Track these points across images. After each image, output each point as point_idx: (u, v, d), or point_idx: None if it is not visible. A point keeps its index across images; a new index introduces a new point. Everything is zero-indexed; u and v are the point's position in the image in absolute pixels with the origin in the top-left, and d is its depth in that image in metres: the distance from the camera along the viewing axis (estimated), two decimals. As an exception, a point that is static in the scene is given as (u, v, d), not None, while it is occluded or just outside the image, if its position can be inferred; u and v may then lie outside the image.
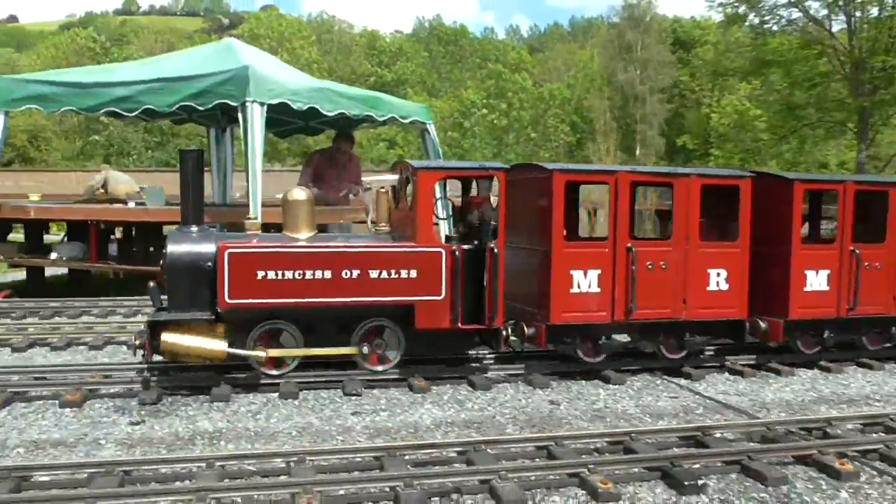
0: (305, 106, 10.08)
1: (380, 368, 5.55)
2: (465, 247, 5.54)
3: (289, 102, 9.87)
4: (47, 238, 21.57)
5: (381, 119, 11.58)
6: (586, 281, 5.70)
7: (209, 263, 5.10)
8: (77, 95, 10.70)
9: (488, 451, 4.07)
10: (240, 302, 5.12)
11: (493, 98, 60.00)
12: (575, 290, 5.67)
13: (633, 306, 5.73)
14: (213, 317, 5.13)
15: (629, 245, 5.76)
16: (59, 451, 4.11)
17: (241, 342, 5.23)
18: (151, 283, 5.34)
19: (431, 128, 12.21)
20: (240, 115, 9.66)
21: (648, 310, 5.80)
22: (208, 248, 5.16)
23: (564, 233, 5.78)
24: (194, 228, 5.32)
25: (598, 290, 5.71)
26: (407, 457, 3.97)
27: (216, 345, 5.01)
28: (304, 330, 5.43)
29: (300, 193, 5.67)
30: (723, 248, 6.03)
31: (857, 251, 6.26)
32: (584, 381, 5.74)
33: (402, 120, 11.83)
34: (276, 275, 5.17)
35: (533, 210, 5.88)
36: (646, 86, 54.05)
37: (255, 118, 9.48)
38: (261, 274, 5.14)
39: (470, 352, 6.03)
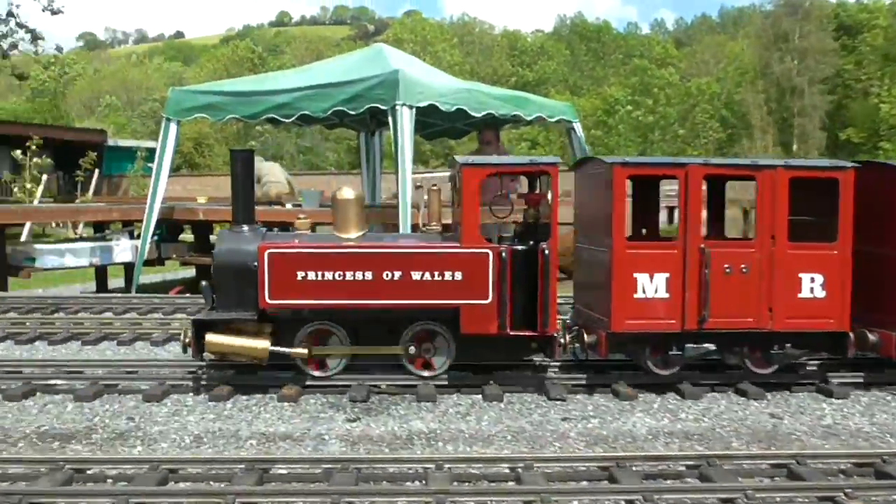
0: (453, 107, 10.21)
1: (426, 374, 5.30)
2: (518, 247, 5.16)
3: (437, 104, 10.05)
4: (213, 238, 23.08)
5: (528, 119, 11.52)
6: (652, 285, 5.16)
7: (254, 263, 5.04)
8: (240, 104, 11.36)
9: (723, 466, 3.82)
10: (280, 302, 5.07)
11: (637, 94, 58.41)
12: (639, 294, 5.14)
13: (706, 314, 5.13)
14: (257, 317, 5.09)
15: (702, 246, 5.16)
16: (289, 444, 4.24)
17: (287, 343, 5.13)
18: (204, 283, 5.36)
19: (578, 126, 12.05)
20: (389, 119, 9.90)
21: (725, 318, 5.18)
22: (254, 247, 5.09)
23: (628, 232, 5.41)
24: (245, 228, 5.32)
25: (667, 295, 5.16)
26: (636, 468, 3.80)
27: (259, 343, 5.02)
28: (351, 332, 5.27)
29: (348, 192, 5.47)
30: (818, 249, 5.27)
31: None
32: (802, 394, 5.33)
33: (548, 119, 11.74)
34: (316, 275, 5.06)
35: (598, 207, 5.44)
36: (804, 77, 50.86)
37: (405, 121, 9.68)
38: (300, 274, 5.05)
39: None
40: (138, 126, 65.74)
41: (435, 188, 5.77)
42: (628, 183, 5.38)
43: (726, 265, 5.14)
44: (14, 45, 43.43)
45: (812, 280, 5.24)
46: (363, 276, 5.06)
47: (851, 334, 5.28)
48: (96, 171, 46.39)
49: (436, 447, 4.26)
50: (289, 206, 11.91)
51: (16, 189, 40.55)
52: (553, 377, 5.42)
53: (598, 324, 5.27)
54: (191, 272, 21.10)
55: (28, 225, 32.98)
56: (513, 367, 5.55)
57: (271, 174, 15.94)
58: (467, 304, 5.08)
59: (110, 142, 51.19)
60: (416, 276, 5.08)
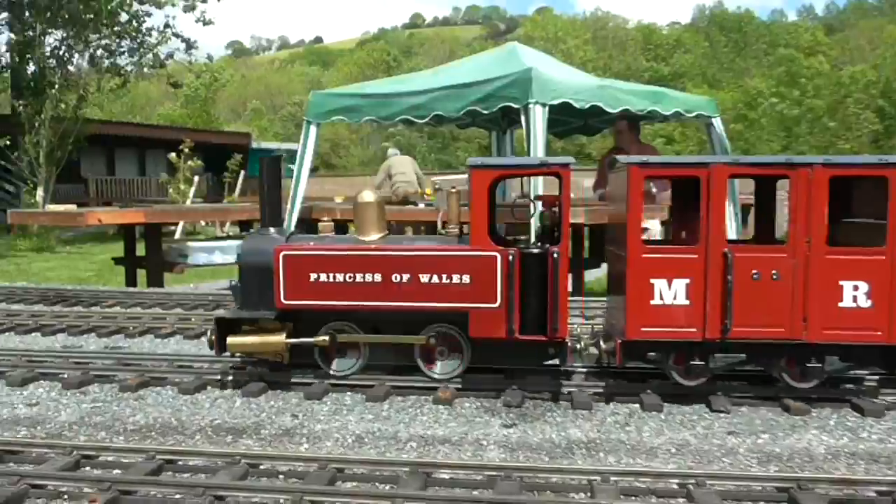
0: (587, 104, 10.01)
1: (437, 375, 5.23)
2: (529, 250, 4.97)
3: (571, 102, 9.86)
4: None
5: (666, 114, 11.07)
6: (671, 292, 4.83)
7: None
8: (377, 105, 11.58)
9: (923, 495, 3.49)
10: (294, 303, 5.16)
11: (782, 86, 55.28)
12: (657, 301, 4.83)
13: (728, 323, 4.71)
14: (274, 316, 5.17)
15: (725, 250, 4.72)
16: (448, 448, 4.24)
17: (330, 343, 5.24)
18: (232, 281, 5.40)
19: (718, 122, 11.50)
20: (522, 117, 9.77)
21: (752, 328, 4.72)
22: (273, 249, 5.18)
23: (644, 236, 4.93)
24: (271, 230, 5.42)
25: (687, 302, 4.81)
26: (819, 492, 3.54)
27: (275, 338, 5.15)
28: (370, 334, 5.31)
29: (368, 196, 5.49)
30: (863, 254, 4.70)
31: None
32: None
33: (686, 114, 11.24)
34: (328, 277, 5.12)
35: (619, 210, 5.04)
36: (978, 61, 46.47)
37: (538, 119, 9.53)
38: (313, 276, 5.13)
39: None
40: (280, 129, 68.81)
41: (454, 190, 5.60)
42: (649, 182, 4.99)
43: (754, 271, 4.72)
44: (170, 55, 46.45)
45: (855, 288, 4.71)
46: (372, 278, 5.11)
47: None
48: (242, 172, 48.86)
49: (597, 458, 4.14)
50: (421, 205, 12.04)
51: (171, 190, 43.33)
52: (717, 388, 5.15)
53: (617, 331, 5.01)
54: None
55: (181, 224, 35.26)
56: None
57: (402, 170, 16.15)
58: (475, 307, 5.01)
59: (254, 144, 53.94)
60: (423, 278, 5.06)
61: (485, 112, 10.56)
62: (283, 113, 73.10)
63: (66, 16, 39.20)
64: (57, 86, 39.28)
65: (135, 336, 7.02)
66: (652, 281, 4.81)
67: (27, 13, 39.44)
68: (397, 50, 69.65)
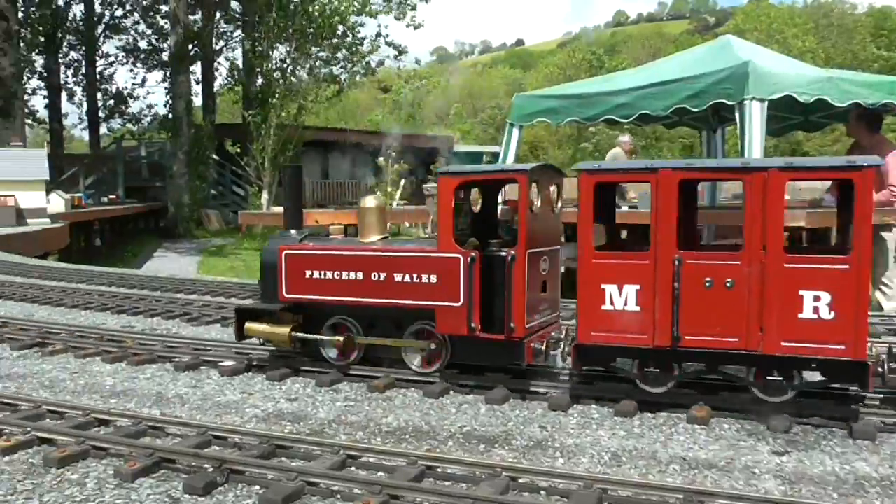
0: (812, 98, 9.24)
1: (417, 368, 5.57)
2: (491, 253, 5.18)
3: (794, 95, 9.18)
4: None
5: None
6: (621, 297, 4.79)
7: None
8: (580, 106, 11.31)
9: None
10: (294, 297, 5.79)
11: None
12: (607, 307, 4.82)
13: (676, 331, 4.59)
14: (280, 309, 5.77)
15: (676, 256, 4.53)
16: (716, 474, 3.90)
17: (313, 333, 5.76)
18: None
19: None
20: (736, 114, 9.26)
21: (702, 336, 4.57)
22: None
23: (596, 242, 4.92)
24: (291, 232, 6.04)
25: (637, 308, 4.73)
26: None
27: (281, 329, 5.69)
28: (366, 327, 5.72)
29: (370, 202, 5.94)
30: (824, 263, 4.39)
31: None
32: None
33: None
34: (320, 274, 5.69)
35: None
36: None
37: (754, 116, 8.98)
38: (308, 273, 5.73)
39: None
40: (480, 132, 69.98)
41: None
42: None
43: (707, 278, 4.52)
44: (381, 62, 48.73)
45: (816, 298, 4.38)
46: (356, 276, 5.60)
47: (872, 363, 4.33)
48: (446, 175, 49.56)
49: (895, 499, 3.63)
50: (624, 207, 11.59)
51: (378, 192, 45.48)
52: None
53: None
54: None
55: (387, 225, 36.37)
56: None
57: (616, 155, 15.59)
58: (441, 305, 5.29)
59: (457, 147, 55.25)
60: (397, 277, 5.45)
61: (695, 110, 10.10)
62: (483, 116, 74.29)
63: (291, 31, 42.20)
64: (280, 96, 42.45)
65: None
66: (603, 286, 4.81)
67: (257, 31, 42.98)
68: (599, 49, 68.46)
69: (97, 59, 45.27)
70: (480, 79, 79.35)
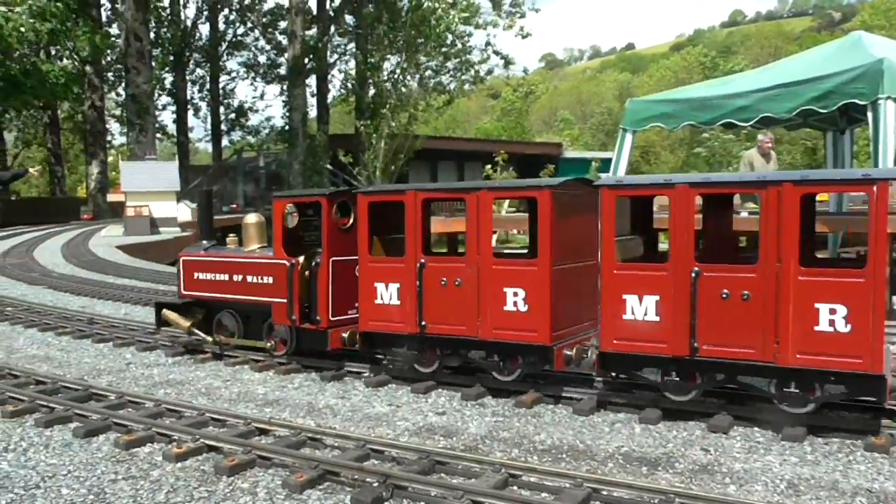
0: None
1: (275, 353, 6.70)
2: (311, 259, 6.44)
3: None
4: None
5: None
6: (388, 293, 5.85)
7: None
8: (696, 110, 10.89)
9: None
10: (188, 293, 7.31)
11: None
12: (379, 301, 5.90)
13: (420, 320, 5.65)
14: (181, 303, 7.29)
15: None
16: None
17: (209, 323, 7.20)
18: None
19: None
20: (868, 115, 8.76)
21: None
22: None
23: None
24: (204, 242, 7.44)
25: (398, 302, 5.80)
26: None
27: (183, 321, 7.07)
28: (244, 319, 7.01)
29: (251, 217, 7.24)
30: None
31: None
32: None
33: None
34: (203, 275, 7.15)
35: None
36: None
37: (889, 117, 8.47)
38: (196, 275, 7.19)
39: None
40: (589, 138, 69.04)
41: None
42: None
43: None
44: (490, 71, 48.87)
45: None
46: (222, 277, 6.98)
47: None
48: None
49: None
50: (744, 214, 11.07)
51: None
52: None
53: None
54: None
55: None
56: None
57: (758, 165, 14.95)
58: (275, 301, 6.57)
59: (565, 154, 54.70)
60: (250, 279, 6.77)
61: (822, 111, 9.56)
62: (592, 122, 73.32)
63: (402, 42, 42.94)
64: (391, 106, 43.23)
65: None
66: (375, 284, 5.67)
67: (369, 43, 43.98)
68: (714, 51, 66.27)
69: (220, 75, 47.49)
70: (589, 84, 78.28)
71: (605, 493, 3.74)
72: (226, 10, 47.31)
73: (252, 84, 50.58)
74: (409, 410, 5.31)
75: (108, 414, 5.05)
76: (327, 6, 47.19)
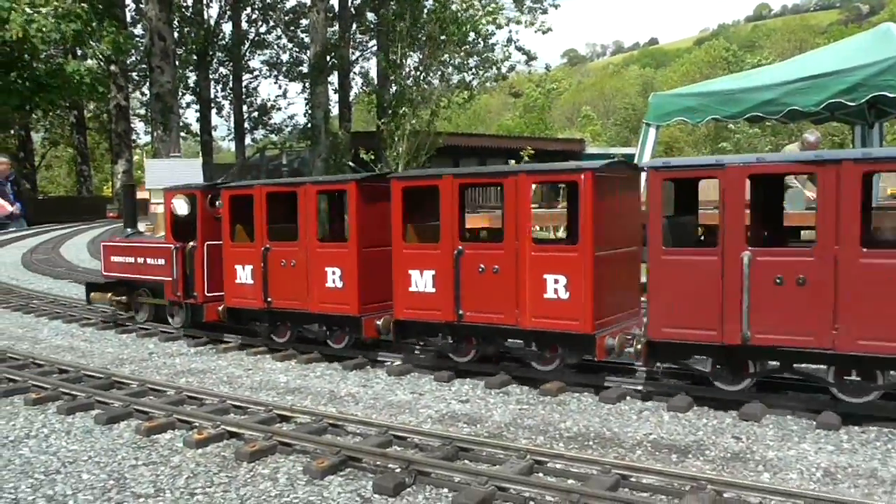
0: None
1: (176, 325, 7.68)
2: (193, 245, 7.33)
3: None
4: None
5: None
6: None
7: None
8: (722, 103, 10.65)
9: None
10: (107, 274, 8.38)
11: None
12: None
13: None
14: (104, 283, 8.47)
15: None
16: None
17: (130, 300, 8.22)
18: None
19: None
20: None
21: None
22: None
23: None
24: (128, 231, 8.43)
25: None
26: None
27: (105, 295, 8.32)
28: (154, 294, 7.93)
29: (160, 209, 7.64)
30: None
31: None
32: None
33: None
34: (117, 259, 8.16)
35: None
36: None
37: None
38: (112, 258, 8.25)
39: None
40: (612, 134, 68.57)
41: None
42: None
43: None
44: (512, 67, 48.65)
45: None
46: (133, 260, 7.96)
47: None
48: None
49: None
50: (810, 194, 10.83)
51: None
52: None
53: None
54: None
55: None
56: None
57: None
58: (166, 280, 7.55)
59: (588, 150, 54.33)
60: (150, 261, 7.76)
61: (850, 104, 9.31)
62: (615, 117, 72.82)
63: (424, 38, 42.85)
64: (413, 103, 43.13)
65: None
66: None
67: (390, 39, 43.93)
68: (738, 45, 65.51)
69: (243, 73, 47.74)
70: (612, 79, 77.73)
71: (633, 479, 3.63)
72: (248, 9, 47.53)
73: (275, 82, 50.68)
74: (431, 398, 5.23)
75: (130, 401, 5.03)
76: (349, 4, 47.27)
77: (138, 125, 48.32)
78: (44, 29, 25.36)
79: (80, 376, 5.83)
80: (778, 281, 4.49)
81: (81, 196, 44.60)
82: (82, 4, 30.35)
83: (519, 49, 47.38)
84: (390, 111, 44.46)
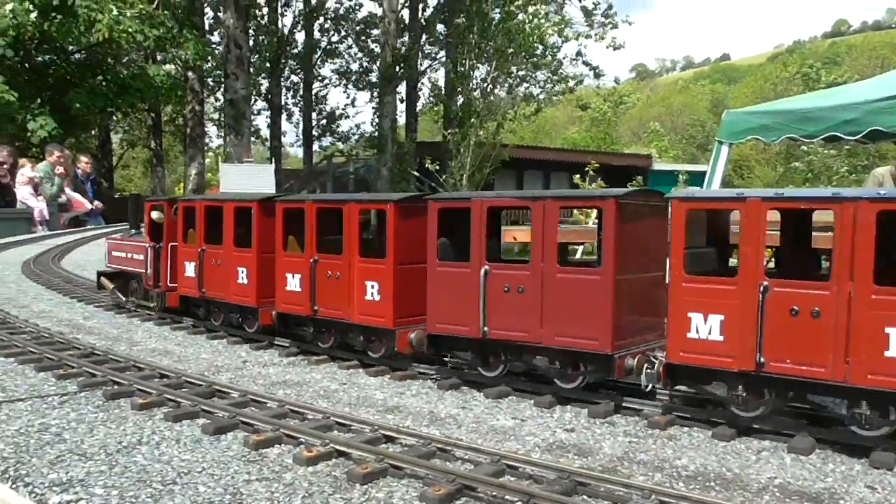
0: None
1: (151, 306, 9.37)
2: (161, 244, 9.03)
3: None
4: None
5: None
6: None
7: None
8: (799, 122, 10.28)
9: None
10: (109, 265, 10.22)
11: None
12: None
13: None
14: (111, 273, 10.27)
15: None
16: None
17: (127, 287, 9.89)
18: None
19: None
20: None
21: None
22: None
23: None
24: (132, 231, 10.09)
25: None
26: None
27: (109, 283, 10.13)
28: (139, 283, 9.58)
29: (154, 213, 9.13)
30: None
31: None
32: None
33: None
34: (116, 253, 10.03)
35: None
36: None
37: None
38: (112, 252, 10.12)
39: None
40: (680, 151, 67.47)
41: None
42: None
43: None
44: (580, 81, 48.30)
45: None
46: (125, 254, 9.69)
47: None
48: (642, 193, 48.01)
49: None
50: None
51: (575, 210, 44.43)
52: None
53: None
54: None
55: (583, 245, 35.98)
56: None
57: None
58: (144, 272, 9.21)
59: (654, 166, 53.52)
60: (135, 256, 9.39)
61: None
62: (682, 134, 71.66)
63: (492, 51, 42.85)
64: (480, 114, 43.13)
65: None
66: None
67: (459, 51, 44.06)
68: (816, 62, 63.73)
69: (313, 81, 48.51)
70: (681, 95, 76.49)
71: (768, 528, 3.46)
72: (321, 19, 48.34)
73: (344, 91, 51.28)
74: (535, 425, 5.12)
75: (235, 412, 5.05)
76: (419, 15, 47.63)
77: (211, 129, 49.50)
78: (129, 30, 26.16)
79: (182, 382, 5.90)
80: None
81: (155, 196, 45.88)
82: (164, 11, 31.29)
83: (586, 64, 46.96)
84: (456, 122, 44.60)
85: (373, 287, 6.48)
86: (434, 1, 48.50)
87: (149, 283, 9.11)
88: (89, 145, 40.36)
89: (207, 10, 42.30)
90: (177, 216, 8.68)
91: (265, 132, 48.48)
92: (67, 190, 23.28)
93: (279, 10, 45.68)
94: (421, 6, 46.46)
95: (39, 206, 21.69)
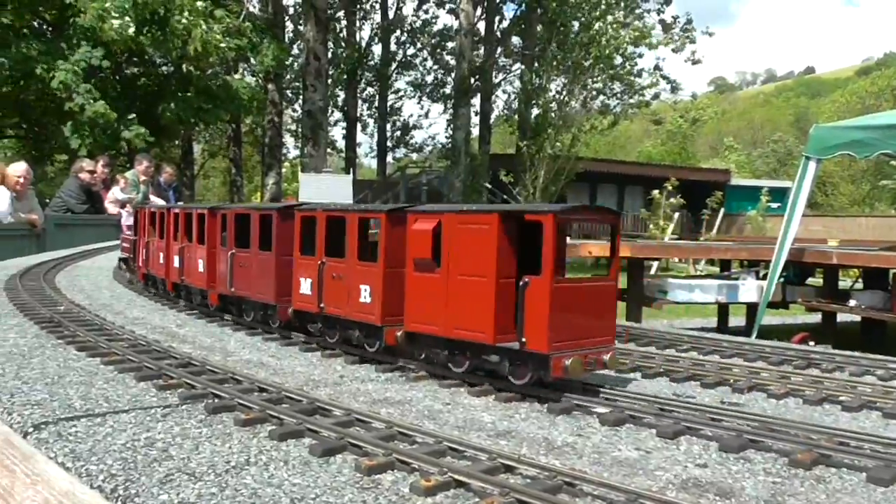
0: None
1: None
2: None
3: None
4: (842, 284, 20.84)
5: None
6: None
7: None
8: (894, 137, 9.74)
9: None
10: (125, 255, 13.13)
11: None
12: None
13: None
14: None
15: None
16: None
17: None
18: None
19: None
20: None
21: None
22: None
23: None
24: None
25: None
26: None
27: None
28: None
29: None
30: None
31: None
32: None
33: None
34: (125, 245, 13.26)
35: None
36: None
37: None
38: (123, 244, 13.08)
39: None
40: (760, 165, 65.50)
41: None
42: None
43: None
44: (656, 95, 47.29)
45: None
46: (129, 245, 12.59)
47: None
48: (721, 210, 46.97)
49: None
50: None
51: (651, 225, 43.50)
52: None
53: None
54: (816, 318, 19.41)
55: (657, 260, 35.00)
56: None
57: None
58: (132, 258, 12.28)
59: (733, 181, 51.90)
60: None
61: None
62: (761, 150, 69.59)
63: (569, 63, 42.32)
64: (555, 127, 42.62)
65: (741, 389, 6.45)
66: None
67: (536, 63, 43.65)
68: (908, 75, 61.03)
69: (389, 93, 48.89)
70: (762, 109, 74.19)
71: None
72: (398, 32, 48.73)
73: (418, 102, 51.53)
74: (661, 458, 4.72)
75: (342, 433, 4.81)
76: (495, 28, 47.44)
77: (288, 140, 50.37)
78: (221, 45, 26.79)
79: (282, 397, 5.71)
80: None
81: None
82: (247, 23, 31.94)
83: (664, 78, 45.96)
84: (531, 134, 44.19)
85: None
86: (510, 13, 48.29)
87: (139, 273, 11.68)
88: (173, 155, 41.51)
89: (288, 23, 43.14)
90: (152, 216, 10.32)
91: (340, 143, 49.05)
92: (152, 197, 23.93)
93: (357, 24, 46.28)
94: (497, 18, 46.31)
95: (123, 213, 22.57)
